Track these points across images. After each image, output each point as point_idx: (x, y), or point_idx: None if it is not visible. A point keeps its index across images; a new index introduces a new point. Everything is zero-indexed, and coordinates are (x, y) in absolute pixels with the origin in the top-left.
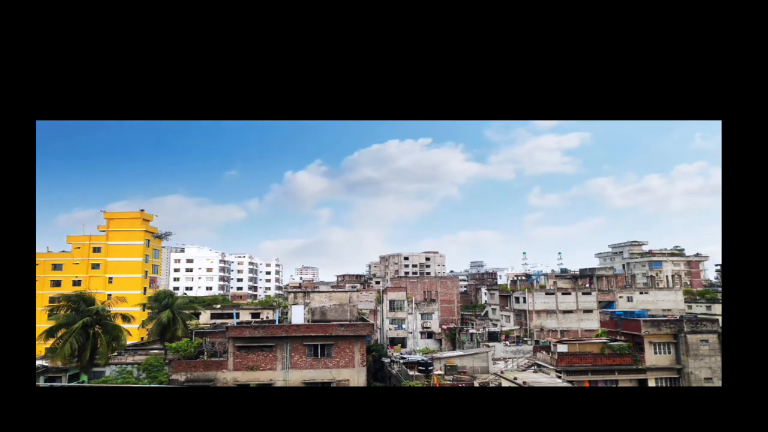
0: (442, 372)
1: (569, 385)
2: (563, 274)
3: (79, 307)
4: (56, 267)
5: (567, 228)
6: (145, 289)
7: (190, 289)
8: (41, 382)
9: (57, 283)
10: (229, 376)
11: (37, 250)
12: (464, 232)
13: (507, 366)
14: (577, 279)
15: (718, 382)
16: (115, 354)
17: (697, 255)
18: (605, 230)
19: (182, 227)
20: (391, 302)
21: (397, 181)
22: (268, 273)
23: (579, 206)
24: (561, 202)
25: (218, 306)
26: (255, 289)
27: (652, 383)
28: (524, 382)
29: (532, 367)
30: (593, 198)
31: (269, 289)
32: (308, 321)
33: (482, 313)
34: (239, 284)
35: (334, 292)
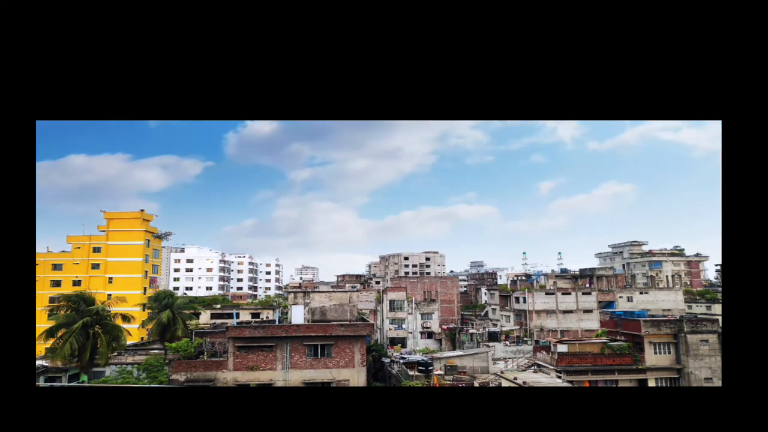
0: (442, 372)
1: (569, 385)
2: (563, 274)
3: (79, 307)
4: (56, 267)
5: (589, 195)
6: (145, 289)
7: (190, 289)
8: (41, 382)
9: (57, 283)
10: (229, 376)
11: (37, 250)
12: (437, 208)
13: (507, 366)
14: (577, 279)
15: (718, 382)
16: (115, 354)
17: (697, 255)
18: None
19: (94, 194)
20: (391, 302)
21: (356, 130)
22: (268, 273)
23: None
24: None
25: (218, 306)
26: (255, 289)
27: (652, 383)
28: (524, 382)
29: (532, 367)
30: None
31: (269, 289)
32: (308, 321)
33: (482, 313)
34: (239, 284)
35: (334, 292)
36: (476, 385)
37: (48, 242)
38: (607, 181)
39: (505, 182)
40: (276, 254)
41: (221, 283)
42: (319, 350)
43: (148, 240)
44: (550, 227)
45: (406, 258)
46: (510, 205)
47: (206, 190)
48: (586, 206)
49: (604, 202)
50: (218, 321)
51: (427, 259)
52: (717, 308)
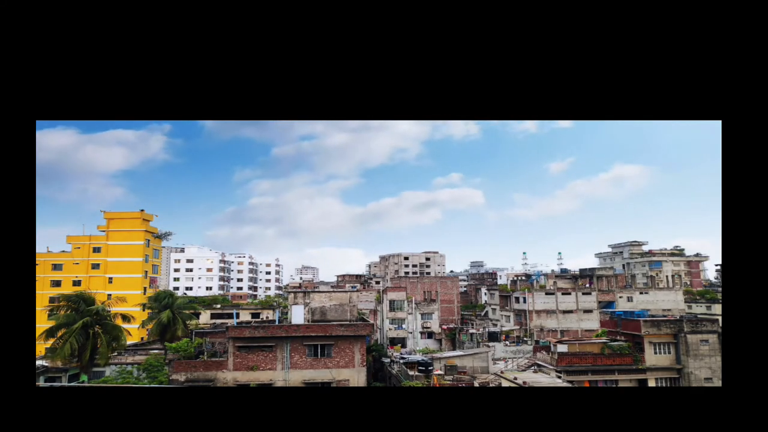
0: (442, 372)
1: (569, 385)
2: (563, 274)
3: (79, 307)
4: (56, 267)
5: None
6: (145, 289)
7: (190, 289)
8: (41, 382)
9: (57, 283)
10: (229, 376)
11: (37, 250)
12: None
13: (507, 366)
14: (577, 279)
15: (718, 382)
16: (115, 354)
17: (697, 255)
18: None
19: (51, 175)
20: (391, 302)
21: None
22: (268, 273)
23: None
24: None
25: (218, 306)
26: (255, 289)
27: (652, 383)
28: (524, 382)
29: (532, 367)
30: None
31: (269, 289)
32: (308, 321)
33: (482, 313)
34: (239, 284)
35: (334, 292)
36: (476, 385)
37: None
38: (615, 162)
39: (494, 159)
40: (261, 245)
41: (221, 283)
42: (319, 350)
43: (148, 240)
44: (546, 215)
45: (406, 258)
46: (502, 188)
47: (180, 169)
48: (589, 192)
49: (610, 187)
50: (218, 321)
51: (427, 259)
52: (717, 308)
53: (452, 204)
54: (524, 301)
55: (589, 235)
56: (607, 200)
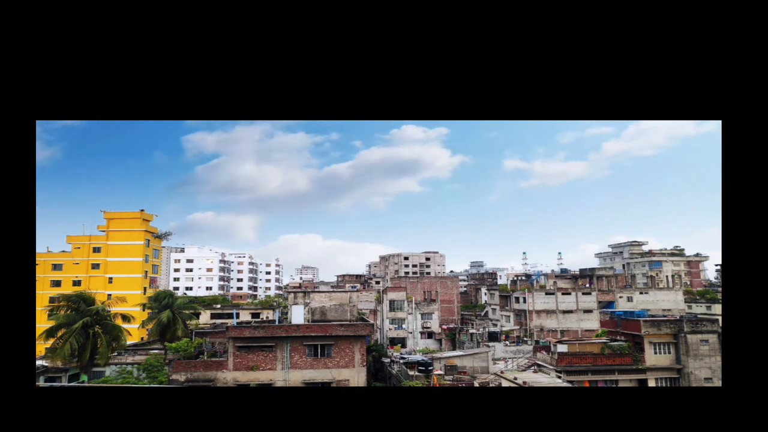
0: (442, 372)
1: (569, 385)
2: (563, 274)
3: (79, 307)
4: (56, 267)
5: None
6: (145, 289)
7: (190, 289)
8: (41, 382)
9: (57, 283)
10: (229, 376)
11: (37, 250)
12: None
13: (507, 366)
14: (577, 279)
15: (718, 382)
16: (115, 354)
17: (697, 255)
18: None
19: None
20: (391, 302)
21: None
22: (268, 273)
23: None
24: None
25: (218, 306)
26: (255, 289)
27: (652, 383)
28: (524, 382)
29: (532, 367)
30: None
31: (269, 289)
32: (308, 321)
33: (482, 313)
34: (239, 284)
35: (334, 292)
36: (476, 385)
37: None
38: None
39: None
40: (236, 226)
41: (221, 283)
42: (319, 350)
43: (148, 240)
44: (549, 185)
45: (406, 258)
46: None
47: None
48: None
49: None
50: (218, 321)
51: (427, 259)
52: (717, 308)
53: (427, 171)
54: (524, 301)
55: (591, 217)
56: (617, 166)
